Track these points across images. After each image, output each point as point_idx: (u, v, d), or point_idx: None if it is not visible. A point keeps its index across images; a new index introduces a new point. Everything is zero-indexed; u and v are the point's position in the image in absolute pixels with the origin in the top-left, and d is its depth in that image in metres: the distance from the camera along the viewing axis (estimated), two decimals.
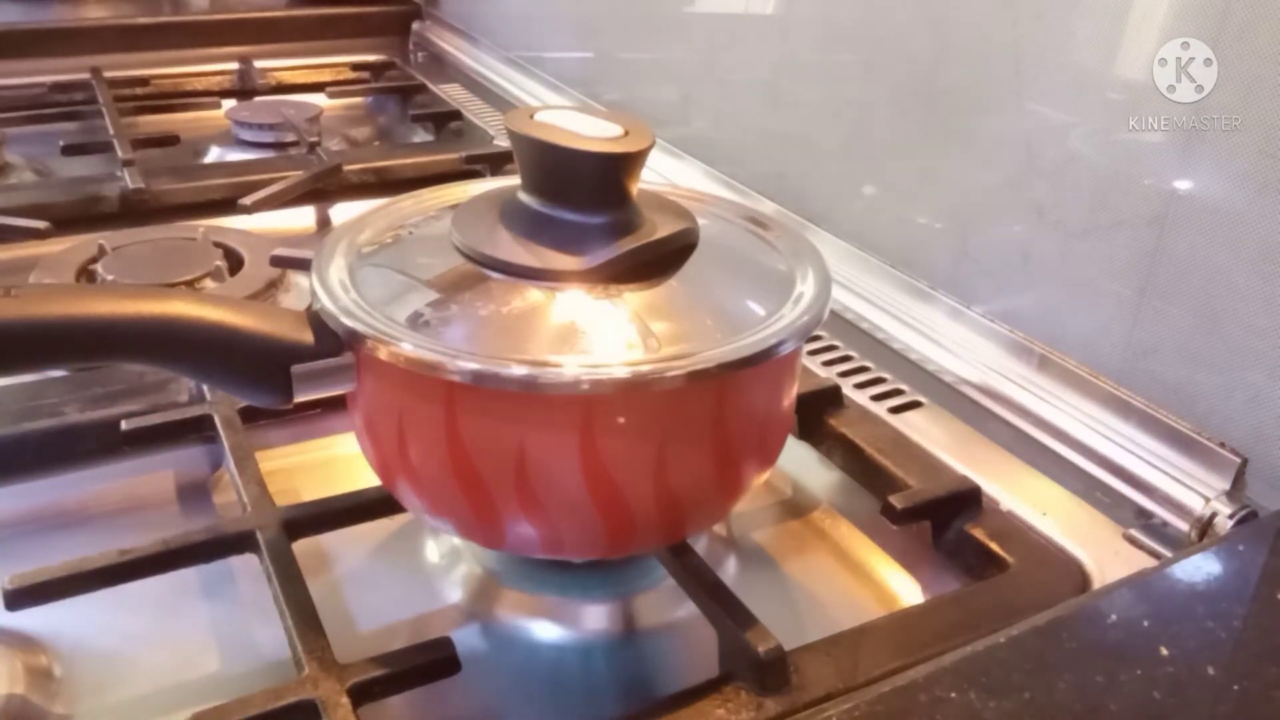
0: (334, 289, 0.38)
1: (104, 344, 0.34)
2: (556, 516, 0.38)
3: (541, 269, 0.38)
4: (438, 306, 0.38)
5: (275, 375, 0.36)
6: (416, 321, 0.37)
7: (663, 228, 0.40)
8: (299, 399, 0.37)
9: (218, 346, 0.36)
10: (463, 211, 0.42)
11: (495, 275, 0.38)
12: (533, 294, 0.38)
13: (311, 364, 0.37)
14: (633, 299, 0.38)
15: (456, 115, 1.00)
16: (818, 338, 0.62)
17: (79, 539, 0.43)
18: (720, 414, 0.38)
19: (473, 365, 0.34)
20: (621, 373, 0.35)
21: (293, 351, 0.36)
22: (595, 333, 0.37)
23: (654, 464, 0.37)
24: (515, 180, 0.41)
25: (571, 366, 0.35)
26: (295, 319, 0.37)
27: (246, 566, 0.43)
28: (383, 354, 0.35)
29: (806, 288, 0.40)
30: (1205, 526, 0.45)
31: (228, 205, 0.75)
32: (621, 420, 0.36)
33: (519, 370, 0.34)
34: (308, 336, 0.37)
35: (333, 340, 0.37)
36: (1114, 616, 0.34)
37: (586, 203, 0.39)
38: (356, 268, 0.40)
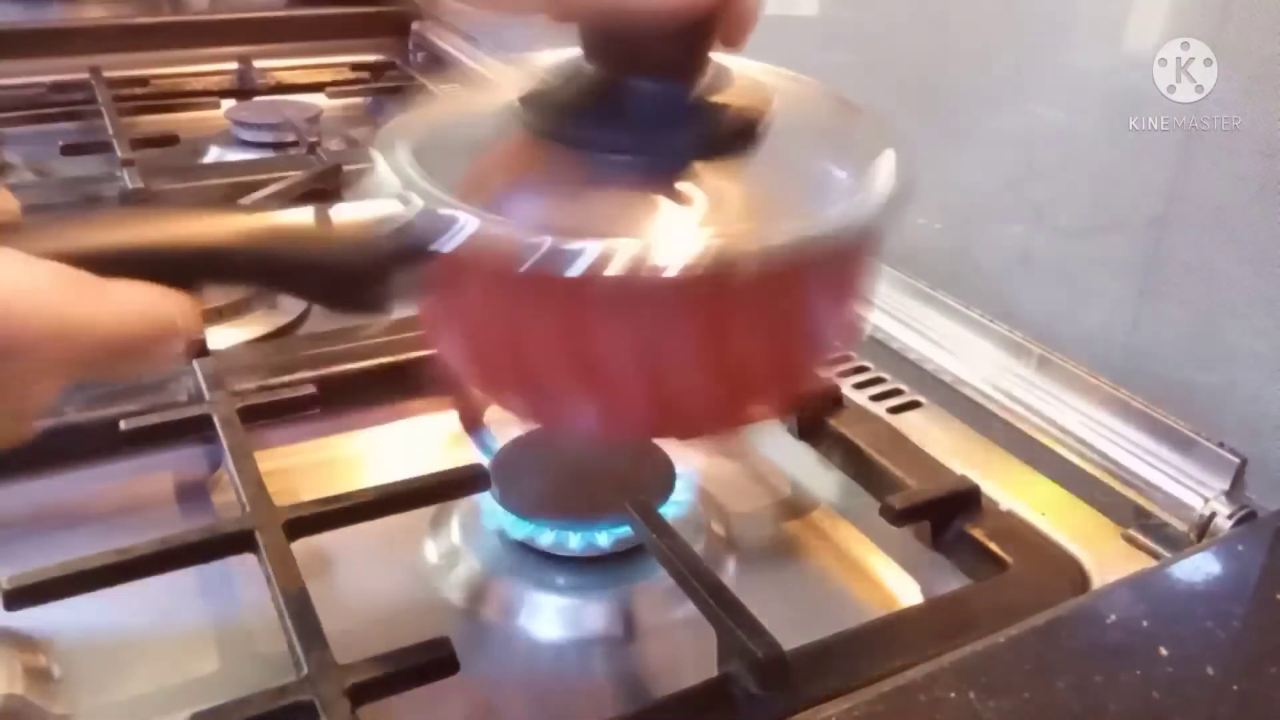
0: (417, 183, 0.35)
1: (198, 270, 0.33)
2: (680, 395, 0.36)
3: (629, 143, 0.36)
4: (524, 192, 0.37)
5: (370, 288, 0.35)
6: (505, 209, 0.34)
7: (750, 101, 0.38)
8: (396, 309, 0.35)
9: (313, 264, 0.34)
10: (529, 92, 0.39)
11: (594, 158, 0.36)
12: (625, 173, 0.36)
13: (405, 272, 0.35)
14: (724, 175, 0.36)
15: None
16: None
17: (79, 539, 0.43)
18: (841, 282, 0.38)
19: (592, 251, 0.31)
20: (755, 243, 0.32)
21: (383, 261, 0.35)
22: (694, 210, 0.35)
23: (774, 334, 0.36)
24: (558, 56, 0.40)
25: (697, 241, 0.32)
26: (376, 231, 0.35)
27: (246, 566, 0.43)
28: (489, 253, 0.33)
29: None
30: (1204, 527, 0.45)
31: (227, 205, 0.75)
32: (750, 294, 0.34)
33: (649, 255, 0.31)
34: (399, 243, 0.34)
35: (425, 245, 0.34)
36: (1113, 616, 0.34)
37: (665, 69, 0.37)
38: (426, 161, 0.37)
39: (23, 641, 0.41)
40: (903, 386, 0.58)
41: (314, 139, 0.88)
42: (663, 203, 0.35)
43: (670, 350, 0.35)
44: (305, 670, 0.36)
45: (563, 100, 0.38)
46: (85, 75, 1.02)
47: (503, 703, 0.41)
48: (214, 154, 0.96)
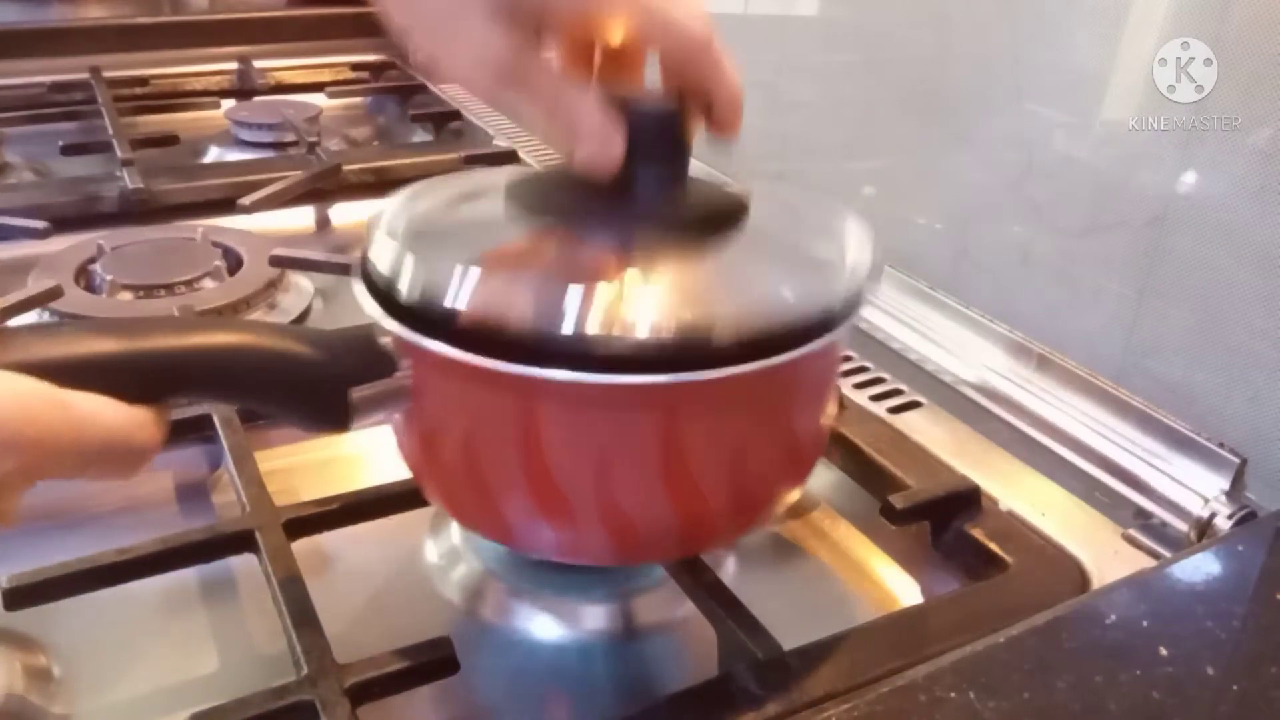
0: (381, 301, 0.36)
1: (160, 381, 0.33)
2: (637, 519, 0.37)
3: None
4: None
5: (333, 402, 0.35)
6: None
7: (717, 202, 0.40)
8: (357, 425, 0.36)
9: (275, 377, 0.34)
10: (514, 192, 0.40)
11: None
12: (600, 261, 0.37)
13: (370, 386, 0.35)
14: (684, 277, 0.37)
15: (456, 115, 1.00)
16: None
17: (79, 539, 0.43)
18: (789, 398, 0.38)
19: (558, 376, 0.33)
20: (709, 368, 0.33)
21: (349, 376, 0.35)
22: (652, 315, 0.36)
23: (732, 455, 0.37)
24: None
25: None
26: (345, 339, 0.36)
27: (246, 566, 0.43)
28: (442, 367, 0.34)
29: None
30: (1204, 527, 0.45)
31: (227, 205, 0.75)
32: (706, 411, 0.35)
33: (605, 377, 0.33)
34: (362, 358, 0.36)
35: (388, 361, 0.36)
36: (1113, 616, 0.34)
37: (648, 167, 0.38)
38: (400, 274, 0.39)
39: (23, 641, 0.41)
40: (903, 386, 0.58)
41: (314, 139, 0.88)
42: (629, 303, 0.35)
43: (617, 458, 0.36)
44: (305, 670, 0.36)
45: (550, 189, 0.39)
46: (85, 75, 1.02)
47: (503, 703, 0.41)
48: (214, 154, 0.96)
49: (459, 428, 0.37)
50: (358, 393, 0.35)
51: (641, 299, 0.35)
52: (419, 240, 0.38)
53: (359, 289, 0.37)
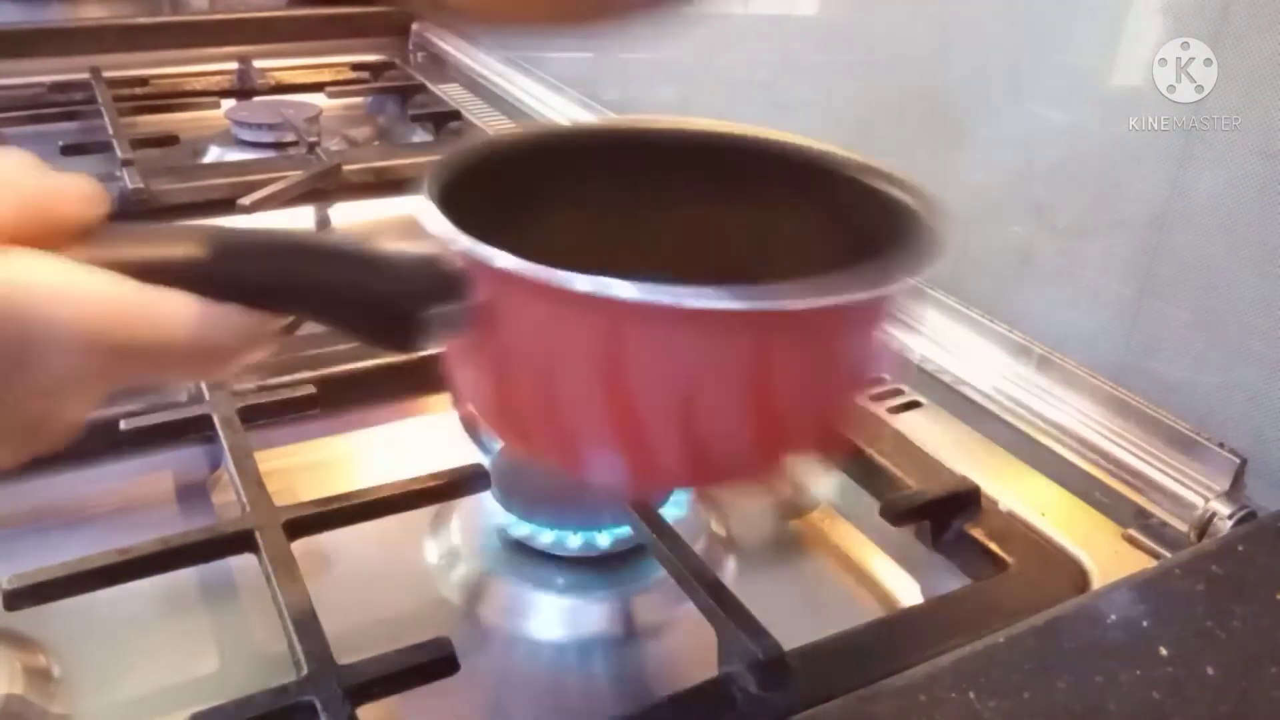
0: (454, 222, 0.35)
1: (242, 281, 0.31)
2: (715, 446, 0.35)
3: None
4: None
5: (399, 321, 0.34)
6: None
7: None
8: (421, 346, 0.34)
9: (348, 289, 0.33)
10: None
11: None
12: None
13: (439, 307, 0.34)
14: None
15: (456, 115, 1.00)
16: None
17: (78, 539, 0.43)
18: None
19: (641, 297, 0.31)
20: (801, 294, 0.32)
21: (418, 297, 0.34)
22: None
23: (813, 383, 0.35)
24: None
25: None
26: (412, 260, 0.35)
27: (246, 566, 0.43)
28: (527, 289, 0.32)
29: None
30: (1204, 527, 0.45)
31: (227, 205, 0.75)
32: (796, 340, 0.34)
33: (693, 300, 0.31)
34: (431, 280, 0.34)
35: (457, 284, 0.34)
36: (1113, 616, 0.34)
37: None
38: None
39: (23, 641, 0.41)
40: (903, 386, 0.58)
41: (314, 139, 0.88)
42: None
43: (705, 387, 0.34)
44: (305, 670, 0.36)
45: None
46: (85, 75, 1.02)
47: (503, 703, 0.41)
48: (214, 154, 0.96)
49: (532, 352, 0.35)
50: (425, 313, 0.34)
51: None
52: None
53: (428, 207, 0.35)
